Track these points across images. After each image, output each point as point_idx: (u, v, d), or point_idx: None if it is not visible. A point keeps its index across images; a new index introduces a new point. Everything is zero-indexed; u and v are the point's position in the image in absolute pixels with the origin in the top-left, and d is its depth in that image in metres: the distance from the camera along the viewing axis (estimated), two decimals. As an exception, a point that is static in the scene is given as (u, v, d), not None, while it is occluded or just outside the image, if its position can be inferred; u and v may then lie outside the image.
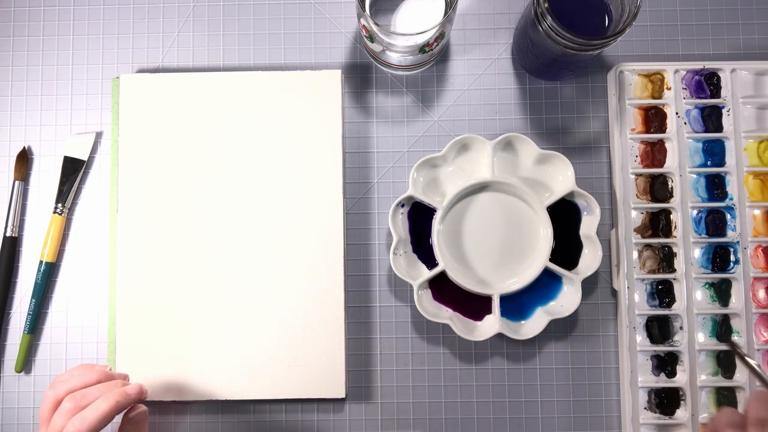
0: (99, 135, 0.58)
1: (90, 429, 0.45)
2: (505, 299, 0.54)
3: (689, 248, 0.55)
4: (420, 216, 0.55)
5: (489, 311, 0.54)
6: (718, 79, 0.56)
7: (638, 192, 0.56)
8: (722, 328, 0.55)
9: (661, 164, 0.56)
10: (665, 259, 0.55)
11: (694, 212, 0.55)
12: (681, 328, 0.54)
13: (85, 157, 0.57)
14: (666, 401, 0.54)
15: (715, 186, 0.56)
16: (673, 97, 0.56)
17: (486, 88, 0.58)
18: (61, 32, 0.59)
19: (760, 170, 0.55)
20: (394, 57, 0.54)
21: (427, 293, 0.55)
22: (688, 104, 0.56)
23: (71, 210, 0.58)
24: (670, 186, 0.56)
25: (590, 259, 0.54)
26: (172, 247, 0.55)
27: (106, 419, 0.46)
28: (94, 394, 0.46)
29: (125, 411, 0.49)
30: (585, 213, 0.55)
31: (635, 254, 0.55)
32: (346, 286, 0.56)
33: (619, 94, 0.56)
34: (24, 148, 0.57)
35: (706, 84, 0.56)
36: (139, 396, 0.48)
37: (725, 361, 0.54)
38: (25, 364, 0.56)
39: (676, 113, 0.56)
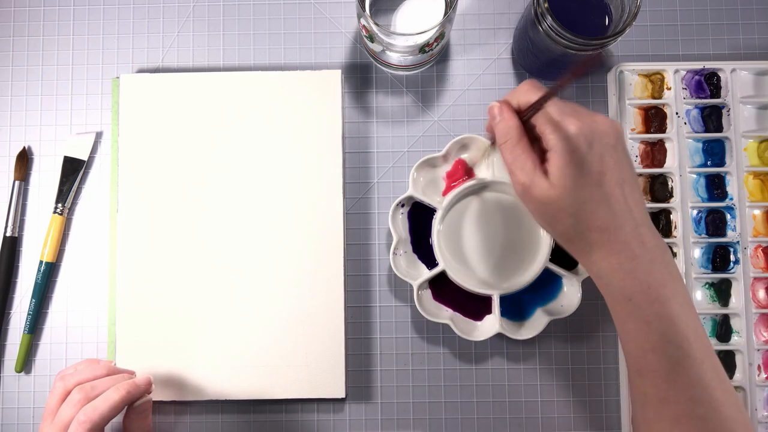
0: (99, 135, 0.58)
1: (101, 418, 0.46)
2: (505, 299, 0.54)
3: (689, 248, 0.55)
4: (420, 216, 0.55)
5: (489, 311, 0.54)
6: (718, 79, 0.56)
7: (638, 192, 0.56)
8: (722, 328, 0.55)
9: (661, 164, 0.56)
10: (665, 259, 0.55)
11: (694, 212, 0.55)
12: (681, 328, 0.54)
13: (85, 157, 0.57)
14: (666, 401, 0.54)
15: (715, 186, 0.56)
16: (673, 97, 0.56)
17: (486, 88, 0.58)
18: (61, 32, 0.59)
19: (760, 170, 0.55)
20: (394, 57, 0.54)
21: (427, 293, 0.55)
22: (688, 104, 0.56)
23: (71, 210, 0.58)
24: (670, 186, 0.56)
25: (590, 259, 0.54)
26: (172, 247, 0.55)
27: (117, 409, 0.47)
28: (103, 385, 0.48)
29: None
30: (585, 213, 0.55)
31: (635, 254, 0.55)
32: (346, 286, 0.56)
33: (619, 94, 0.56)
34: (24, 148, 0.57)
35: (706, 84, 0.56)
36: (147, 388, 0.50)
37: (725, 361, 0.54)
38: (25, 364, 0.56)
39: (676, 113, 0.56)
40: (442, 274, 0.54)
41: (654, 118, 0.56)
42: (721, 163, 0.56)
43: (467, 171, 0.54)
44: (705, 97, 0.56)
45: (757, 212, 0.55)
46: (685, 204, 0.55)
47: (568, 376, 0.56)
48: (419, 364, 0.56)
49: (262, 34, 0.59)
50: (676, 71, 0.56)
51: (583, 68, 0.40)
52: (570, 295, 0.54)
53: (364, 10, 0.49)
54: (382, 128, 0.58)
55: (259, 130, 0.56)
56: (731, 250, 0.55)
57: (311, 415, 0.56)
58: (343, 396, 0.54)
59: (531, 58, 0.55)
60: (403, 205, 0.55)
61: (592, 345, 0.56)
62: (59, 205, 0.57)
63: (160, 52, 0.59)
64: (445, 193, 0.54)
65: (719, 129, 0.56)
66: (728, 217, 0.55)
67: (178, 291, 0.55)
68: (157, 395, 0.54)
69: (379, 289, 0.57)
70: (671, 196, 0.55)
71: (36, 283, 0.56)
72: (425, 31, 0.49)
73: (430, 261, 0.55)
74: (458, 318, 0.54)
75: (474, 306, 0.55)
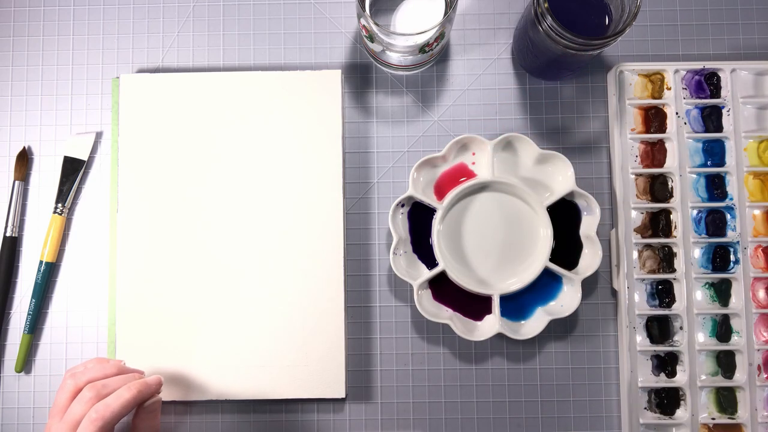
0: (99, 135, 0.58)
1: (113, 415, 0.46)
2: (505, 299, 0.54)
3: (689, 248, 0.55)
4: (420, 216, 0.55)
5: (489, 311, 0.54)
6: (718, 79, 0.56)
7: (638, 192, 0.56)
8: (722, 328, 0.55)
9: (661, 164, 0.56)
10: (665, 259, 0.55)
11: (694, 212, 0.55)
12: (681, 328, 0.54)
13: (85, 157, 0.57)
14: (666, 401, 0.54)
15: (715, 186, 0.56)
16: (673, 97, 0.56)
17: (486, 88, 0.58)
18: (61, 32, 0.59)
19: (760, 170, 0.55)
20: (394, 57, 0.54)
21: (427, 293, 0.55)
22: (688, 104, 0.56)
23: (71, 210, 0.58)
24: (670, 186, 0.56)
25: (590, 259, 0.54)
26: (172, 247, 0.55)
27: (129, 407, 0.47)
28: (114, 384, 0.48)
29: None
30: (585, 213, 0.55)
31: (635, 254, 0.55)
32: (346, 286, 0.56)
33: (619, 94, 0.56)
34: (24, 148, 0.57)
35: (706, 84, 0.56)
36: (157, 388, 0.50)
37: (725, 361, 0.54)
38: (25, 364, 0.56)
39: (676, 113, 0.56)
40: (442, 274, 0.54)
41: (654, 118, 0.56)
42: (721, 163, 0.56)
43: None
44: (705, 97, 0.56)
45: (757, 212, 0.55)
46: (685, 204, 0.55)
47: (568, 376, 0.56)
48: (419, 364, 0.56)
49: (262, 34, 0.59)
50: (676, 71, 0.56)
51: None
52: (570, 295, 0.54)
53: (364, 10, 0.49)
54: (382, 128, 0.58)
55: (259, 130, 0.56)
56: (731, 250, 0.55)
57: (311, 415, 0.56)
58: (343, 396, 0.54)
59: (531, 58, 0.55)
60: (403, 205, 0.55)
61: (592, 345, 0.56)
62: (59, 205, 0.57)
63: (160, 52, 0.59)
64: (439, 198, 0.54)
65: (719, 129, 0.56)
66: (728, 217, 0.55)
67: (178, 291, 0.55)
68: (157, 395, 0.54)
69: (379, 289, 0.57)
70: (671, 196, 0.55)
71: (36, 283, 0.56)
72: (425, 31, 0.49)
73: (430, 261, 0.55)
74: (458, 318, 0.54)
75: (474, 306, 0.55)
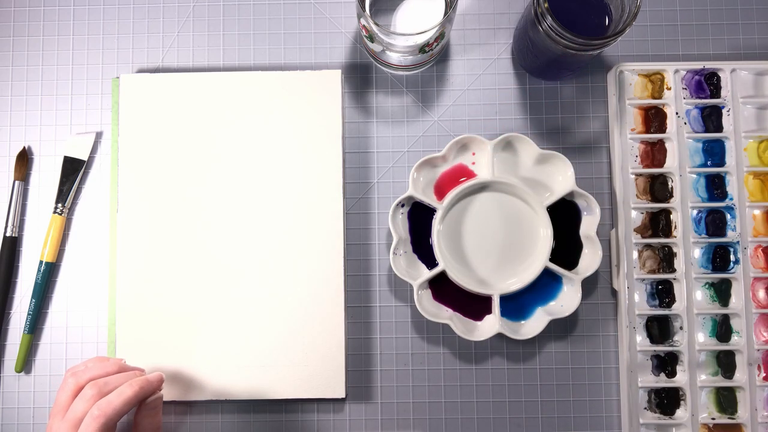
0: (99, 135, 0.58)
1: (115, 412, 0.46)
2: (505, 299, 0.54)
3: (689, 248, 0.55)
4: (420, 216, 0.55)
5: (489, 311, 0.54)
6: (718, 79, 0.56)
7: (638, 192, 0.56)
8: (722, 328, 0.55)
9: (661, 164, 0.56)
10: (665, 259, 0.55)
11: (694, 212, 0.55)
12: (681, 328, 0.54)
13: (85, 157, 0.57)
14: (666, 401, 0.54)
15: (715, 186, 0.56)
16: (673, 97, 0.56)
17: (486, 88, 0.58)
18: (61, 32, 0.59)
19: (760, 170, 0.55)
20: (394, 57, 0.54)
21: (427, 293, 0.55)
22: (688, 104, 0.56)
23: (71, 210, 0.58)
24: (670, 186, 0.56)
25: (590, 259, 0.54)
26: (172, 247, 0.55)
27: (131, 404, 0.47)
28: (116, 381, 0.48)
29: None
30: (585, 213, 0.55)
31: (635, 254, 0.55)
32: (346, 286, 0.56)
33: (619, 94, 0.56)
34: (24, 148, 0.57)
35: (706, 84, 0.56)
36: (159, 385, 0.50)
37: (725, 361, 0.54)
38: (25, 364, 0.56)
39: (676, 113, 0.56)
40: (442, 274, 0.54)
41: (654, 118, 0.56)
42: (721, 163, 0.56)
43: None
44: (705, 97, 0.56)
45: (757, 212, 0.55)
46: (685, 204, 0.55)
47: (568, 376, 0.56)
48: (419, 364, 0.56)
49: (262, 34, 0.59)
50: (676, 71, 0.56)
51: None
52: (570, 295, 0.54)
53: (364, 10, 0.49)
54: (382, 128, 0.58)
55: (259, 131, 0.56)
56: (731, 250, 0.55)
57: (311, 415, 0.56)
58: (343, 396, 0.54)
59: (531, 58, 0.55)
60: (403, 205, 0.55)
61: (592, 345, 0.56)
62: (59, 205, 0.57)
63: (160, 52, 0.59)
64: (439, 198, 0.54)
65: (719, 129, 0.56)
66: (728, 217, 0.55)
67: (178, 291, 0.55)
68: (157, 395, 0.54)
69: (379, 289, 0.57)
70: (671, 196, 0.55)
71: (36, 283, 0.56)
72: (425, 31, 0.49)
73: (430, 261, 0.55)
74: (458, 318, 0.54)
75: (474, 306, 0.55)
